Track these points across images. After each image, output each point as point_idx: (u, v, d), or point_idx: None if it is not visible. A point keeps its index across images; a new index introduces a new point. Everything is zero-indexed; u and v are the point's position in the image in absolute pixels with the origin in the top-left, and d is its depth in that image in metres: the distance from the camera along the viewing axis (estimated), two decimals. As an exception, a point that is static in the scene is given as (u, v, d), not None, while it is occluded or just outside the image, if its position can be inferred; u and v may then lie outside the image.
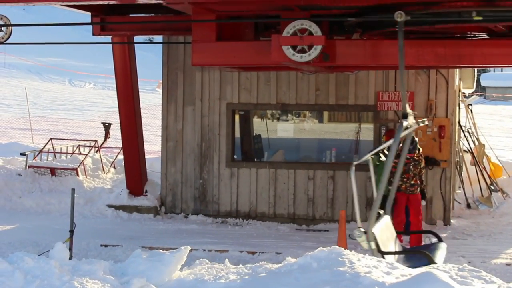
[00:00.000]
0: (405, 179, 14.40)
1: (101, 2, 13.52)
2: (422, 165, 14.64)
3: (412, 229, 14.46)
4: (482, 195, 19.76)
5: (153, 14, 16.43)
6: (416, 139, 14.57)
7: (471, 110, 21.79)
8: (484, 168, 20.51)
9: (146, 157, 19.30)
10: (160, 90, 19.58)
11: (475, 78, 21.81)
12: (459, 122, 20.10)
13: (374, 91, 17.32)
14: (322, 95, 17.62)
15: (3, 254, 12.23)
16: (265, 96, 17.86)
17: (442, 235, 15.88)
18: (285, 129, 18.70)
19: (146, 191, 18.44)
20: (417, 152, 14.41)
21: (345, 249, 9.36)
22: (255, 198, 17.84)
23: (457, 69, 17.85)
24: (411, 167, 14.40)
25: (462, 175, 20.27)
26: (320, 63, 12.82)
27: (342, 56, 12.96)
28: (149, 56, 64.13)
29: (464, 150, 21.11)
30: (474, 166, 20.43)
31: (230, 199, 17.96)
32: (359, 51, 13.06)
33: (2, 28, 16.70)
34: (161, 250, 10.36)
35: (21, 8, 77.94)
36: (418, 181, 14.53)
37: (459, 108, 20.36)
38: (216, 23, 13.34)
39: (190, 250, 10.19)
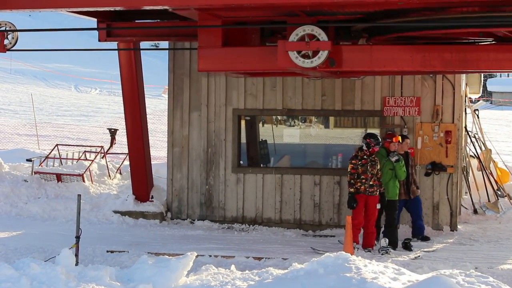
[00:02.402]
0: (363, 180, 14.57)
1: (107, 8, 13.54)
2: (379, 166, 14.79)
3: (365, 232, 14.77)
4: (488, 201, 19.71)
5: (159, 20, 16.44)
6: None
7: (477, 115, 21.75)
8: (491, 174, 20.47)
9: (152, 162, 19.28)
10: (166, 96, 19.59)
11: (482, 83, 21.78)
12: (465, 127, 20.06)
13: (380, 97, 17.29)
14: (328, 100, 17.60)
15: (9, 260, 12.24)
16: (271, 102, 17.84)
17: (449, 241, 15.92)
18: (291, 134, 18.66)
19: (152, 197, 18.43)
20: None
21: (351, 255, 9.35)
22: (261, 204, 17.81)
23: (464, 74, 17.83)
24: (368, 167, 14.61)
25: (469, 180, 20.21)
26: (326, 68, 12.81)
27: (348, 61, 12.95)
28: (155, 62, 64.20)
29: (471, 156, 21.06)
30: (480, 172, 20.38)
31: (236, 205, 17.93)
32: (365, 56, 13.04)
33: (8, 35, 16.75)
34: (167, 256, 10.39)
35: (27, 14, 78.11)
36: (377, 182, 14.70)
37: (466, 113, 20.32)
38: (222, 29, 13.34)
39: (196, 256, 10.21)
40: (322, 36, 12.27)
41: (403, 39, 13.23)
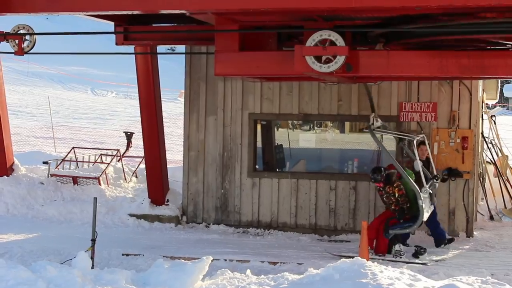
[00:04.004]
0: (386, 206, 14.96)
1: (125, 12, 13.60)
2: (397, 194, 14.57)
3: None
4: (505, 207, 19.62)
5: (175, 24, 16.48)
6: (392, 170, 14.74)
7: (494, 121, 21.66)
8: (508, 180, 20.36)
9: (168, 166, 19.31)
10: (182, 100, 19.62)
11: (499, 89, 21.70)
12: (482, 133, 19.98)
13: (396, 102, 17.25)
14: (344, 105, 17.58)
15: (25, 262, 12.29)
16: (287, 106, 17.84)
17: (465, 247, 15.85)
18: (307, 139, 18.66)
19: (167, 201, 18.46)
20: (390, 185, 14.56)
21: (367, 260, 9.33)
22: (277, 208, 17.80)
23: (481, 80, 17.76)
24: (384, 199, 14.76)
25: (485, 186, 20.13)
26: (343, 73, 12.81)
27: (365, 66, 12.95)
28: (171, 66, 64.30)
29: (487, 162, 20.97)
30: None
31: (251, 209, 17.93)
32: (382, 62, 13.04)
33: (26, 38, 16.84)
34: (183, 260, 10.40)
35: (44, 17, 78.42)
36: (398, 207, 14.63)
37: (482, 119, 20.24)
38: (239, 33, 13.36)
39: (212, 260, 10.20)
40: (339, 41, 12.28)
41: (420, 44, 13.21)
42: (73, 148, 23.14)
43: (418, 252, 14.78)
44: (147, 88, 18.47)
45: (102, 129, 39.27)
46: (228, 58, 13.48)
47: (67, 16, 16.12)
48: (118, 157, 23.03)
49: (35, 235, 16.49)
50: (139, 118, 19.08)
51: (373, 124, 15.16)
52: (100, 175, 20.52)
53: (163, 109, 19.18)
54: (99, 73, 71.48)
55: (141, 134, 19.04)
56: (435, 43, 13.07)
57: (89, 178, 20.31)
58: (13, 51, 17.08)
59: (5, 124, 19.97)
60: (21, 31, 16.88)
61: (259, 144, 18.32)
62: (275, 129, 18.75)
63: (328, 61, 12.38)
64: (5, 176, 19.71)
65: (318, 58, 12.40)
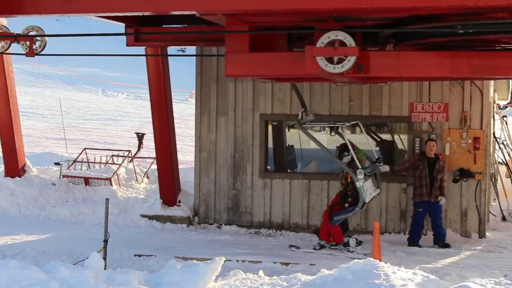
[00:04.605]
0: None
1: (135, 13, 13.61)
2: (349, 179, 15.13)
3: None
4: (517, 208, 19.58)
5: (186, 25, 16.49)
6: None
7: (506, 122, 21.62)
8: (520, 180, 20.32)
9: (179, 167, 19.35)
10: (193, 100, 19.66)
11: (510, 89, 21.65)
12: (494, 133, 19.94)
13: (408, 102, 17.23)
14: (355, 106, 17.57)
15: (38, 263, 12.32)
16: (298, 107, 17.81)
17: (477, 248, 15.82)
18: (318, 139, 18.62)
19: (179, 201, 18.48)
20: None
21: (379, 261, 9.32)
22: (288, 209, 17.81)
23: (492, 81, 17.72)
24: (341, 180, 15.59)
25: (497, 187, 20.08)
26: (353, 74, 12.78)
27: (376, 67, 12.91)
28: (181, 66, 64.36)
29: (499, 162, 20.92)
30: (509, 178, 20.24)
31: (263, 210, 17.94)
32: (392, 62, 13.00)
33: (37, 39, 16.89)
34: (195, 261, 10.40)
35: (54, 19, 78.67)
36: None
37: (494, 119, 20.19)
38: (250, 34, 13.35)
39: (224, 261, 10.20)
40: (350, 42, 12.26)
41: (431, 44, 13.18)
42: (85, 149, 23.20)
43: (359, 244, 15.32)
44: (158, 89, 18.50)
45: (113, 130, 39.36)
46: (239, 59, 13.46)
47: (78, 17, 16.13)
48: (130, 158, 23.08)
49: (47, 236, 16.54)
50: (150, 119, 19.12)
51: (302, 118, 15.45)
52: (112, 176, 20.57)
53: (173, 110, 19.21)
54: (110, 74, 71.63)
55: (153, 135, 19.08)
56: (446, 44, 13.04)
57: (101, 179, 20.36)
58: (24, 53, 17.16)
59: (16, 125, 20.06)
60: (32, 33, 16.95)
61: (270, 144, 18.32)
62: (286, 129, 18.75)
63: (338, 61, 12.37)
64: (17, 177, 19.80)
65: (329, 59, 12.39)
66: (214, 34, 15.61)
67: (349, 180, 15.10)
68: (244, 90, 18.13)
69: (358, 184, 14.64)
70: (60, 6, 12.38)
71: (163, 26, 16.90)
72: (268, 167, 18.22)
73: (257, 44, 13.51)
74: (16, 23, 18.39)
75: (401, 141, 17.90)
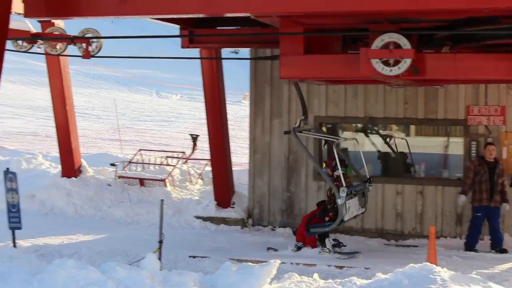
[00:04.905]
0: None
1: (190, 15, 13.71)
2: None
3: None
4: None
5: (240, 27, 16.54)
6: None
7: None
8: None
9: (233, 169, 19.39)
10: (246, 102, 19.72)
11: None
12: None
13: (464, 105, 17.01)
14: (410, 108, 17.41)
15: (93, 263, 12.45)
16: (353, 109, 17.75)
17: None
18: (372, 142, 18.51)
19: (233, 203, 18.53)
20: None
21: (436, 266, 9.23)
22: (342, 212, 17.71)
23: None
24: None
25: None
26: (409, 76, 12.72)
27: (432, 69, 12.83)
28: (234, 68, 64.50)
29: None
30: None
31: (317, 213, 17.87)
32: (448, 64, 12.90)
33: (93, 42, 17.10)
34: (250, 263, 10.39)
35: (109, 20, 79.44)
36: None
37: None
38: (304, 36, 13.34)
39: (279, 264, 10.19)
40: (405, 44, 12.18)
41: (488, 47, 13.03)
42: (140, 150, 23.40)
43: (337, 245, 15.30)
44: (212, 91, 18.58)
45: (167, 131, 39.63)
46: (293, 61, 13.47)
47: (133, 19, 16.28)
48: (184, 160, 23.20)
49: (103, 236, 16.71)
50: (204, 121, 19.20)
51: (299, 126, 15.31)
52: (167, 177, 20.71)
53: (227, 111, 19.27)
54: (164, 75, 72.10)
55: (207, 136, 19.15)
56: (503, 46, 12.88)
57: (156, 180, 20.51)
58: (81, 55, 17.39)
59: (73, 126, 20.31)
60: (88, 35, 17.16)
61: (324, 147, 18.23)
62: (340, 132, 18.66)
63: (394, 64, 12.29)
64: (73, 178, 20.04)
65: (384, 61, 12.33)
66: (268, 36, 15.63)
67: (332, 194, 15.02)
68: (299, 92, 18.07)
69: (338, 201, 14.53)
70: (115, 8, 12.53)
71: (217, 28, 16.98)
72: (322, 169, 18.13)
73: (312, 46, 13.51)
74: (72, 25, 18.64)
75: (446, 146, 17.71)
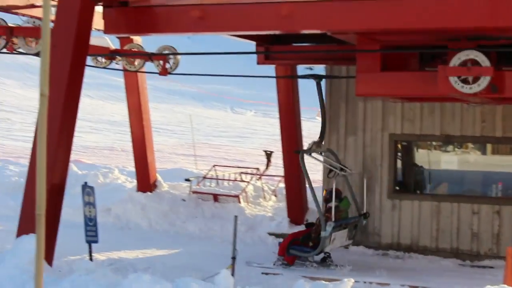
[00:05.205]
0: None
1: (266, 32, 13.77)
2: None
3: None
4: None
5: (315, 44, 16.54)
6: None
7: None
8: None
9: (306, 186, 19.33)
10: (320, 119, 19.65)
11: None
12: None
13: (543, 124, 16.67)
14: (488, 126, 17.11)
15: (167, 277, 12.51)
16: (429, 127, 17.53)
17: None
18: (448, 160, 18.26)
19: (306, 220, 18.46)
20: None
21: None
22: (417, 231, 17.48)
23: None
24: None
25: None
26: (487, 94, 12.51)
27: (511, 87, 12.58)
28: (308, 84, 64.48)
29: None
30: None
31: (391, 231, 17.68)
32: (529, 82, 12.63)
33: (170, 59, 17.31)
34: (323, 281, 10.34)
35: (186, 36, 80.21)
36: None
37: None
38: (381, 53, 13.26)
39: (353, 282, 10.12)
40: (484, 61, 12.01)
41: None
42: (214, 166, 23.52)
43: (324, 259, 15.44)
44: (287, 107, 18.62)
45: (241, 147, 39.76)
46: (370, 78, 13.40)
47: (208, 36, 16.48)
48: (258, 176, 23.23)
49: (177, 251, 16.82)
50: (278, 137, 19.22)
51: (310, 148, 15.36)
52: (240, 193, 20.76)
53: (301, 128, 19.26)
54: (239, 91, 72.47)
55: (281, 153, 19.16)
56: None
57: (229, 196, 20.58)
58: (158, 71, 17.62)
59: (149, 141, 20.56)
60: (165, 52, 17.37)
61: (398, 165, 18.08)
62: (415, 150, 18.46)
63: (472, 81, 12.12)
64: (148, 192, 20.26)
65: (462, 79, 12.16)
66: (344, 53, 15.59)
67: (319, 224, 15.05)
68: (374, 109, 17.96)
69: (323, 233, 14.60)
70: (194, 25, 12.66)
71: (293, 44, 17.01)
72: (397, 188, 17.96)
73: (388, 63, 13.42)
74: (150, 42, 18.90)
75: None
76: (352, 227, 15.68)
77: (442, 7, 11.27)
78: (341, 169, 15.82)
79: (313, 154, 15.66)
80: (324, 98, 18.34)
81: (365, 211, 15.93)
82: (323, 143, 15.80)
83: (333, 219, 14.64)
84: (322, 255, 15.33)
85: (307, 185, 18.98)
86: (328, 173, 16.48)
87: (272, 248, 17.58)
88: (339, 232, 14.99)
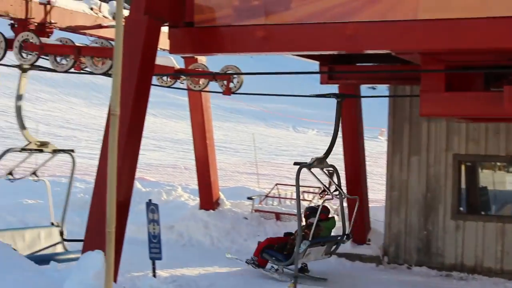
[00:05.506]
0: None
1: (330, 52, 13.81)
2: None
3: None
4: None
5: (377, 63, 16.51)
6: None
7: None
8: None
9: (369, 205, 19.26)
10: (382, 138, 19.64)
11: None
12: None
13: None
14: (555, 148, 16.88)
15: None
16: (494, 148, 17.33)
17: None
18: (512, 182, 18.05)
19: (369, 240, 18.40)
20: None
21: None
22: (481, 252, 17.27)
23: None
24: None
25: None
26: (555, 115, 12.34)
27: None
28: (370, 103, 64.20)
29: None
30: None
31: (455, 252, 17.50)
32: None
33: (234, 78, 17.45)
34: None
35: (249, 56, 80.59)
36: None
37: None
38: (445, 73, 13.18)
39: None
40: (552, 81, 11.86)
41: None
42: (276, 184, 23.55)
43: (304, 270, 15.72)
44: (350, 127, 18.60)
45: (304, 166, 39.64)
46: (434, 98, 13.30)
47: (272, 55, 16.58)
48: (320, 195, 23.16)
49: (239, 269, 16.83)
50: (340, 156, 19.18)
51: (310, 164, 15.62)
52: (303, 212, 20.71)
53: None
54: (301, 110, 72.50)
55: (343, 172, 19.11)
56: None
57: (292, 214, 20.55)
58: (221, 91, 17.77)
59: (212, 159, 20.72)
60: (229, 72, 17.52)
61: (462, 185, 17.90)
62: (480, 170, 18.26)
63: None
64: (211, 210, 20.38)
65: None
66: (408, 73, 15.54)
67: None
68: (437, 129, 17.84)
69: (296, 248, 14.71)
70: (258, 45, 12.74)
71: (357, 64, 17.01)
72: (461, 208, 17.78)
73: (453, 83, 13.31)
74: (213, 62, 19.07)
75: None
76: (333, 244, 15.80)
77: (510, 26, 11.17)
78: (336, 190, 15.89)
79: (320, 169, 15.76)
80: (388, 118, 18.40)
81: (348, 232, 15.94)
82: (326, 160, 15.84)
83: (310, 238, 14.83)
84: (300, 265, 15.56)
85: (369, 204, 18.97)
86: (321, 191, 16.65)
87: (335, 266, 17.55)
88: (316, 248, 15.23)
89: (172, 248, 18.14)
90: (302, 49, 13.09)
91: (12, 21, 15.83)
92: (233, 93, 17.70)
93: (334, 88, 18.83)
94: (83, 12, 17.05)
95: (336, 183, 15.77)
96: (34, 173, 14.98)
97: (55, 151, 14.66)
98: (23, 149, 14.94)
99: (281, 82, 57.65)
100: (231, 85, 17.53)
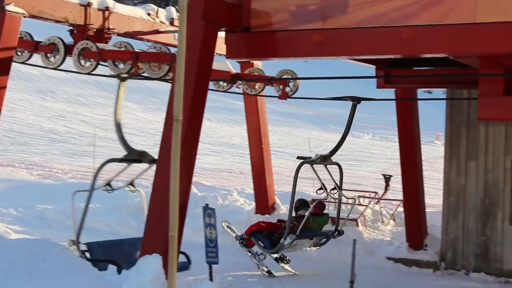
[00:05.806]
0: None
1: (387, 56, 13.74)
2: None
3: None
4: None
5: (434, 67, 16.39)
6: None
7: None
8: None
9: (426, 210, 19.11)
10: (439, 143, 19.51)
11: None
12: None
13: None
14: None
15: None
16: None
17: None
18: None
19: (426, 245, 18.24)
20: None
21: None
22: (541, 259, 17.04)
23: None
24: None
25: None
26: None
27: None
28: (427, 107, 63.63)
29: None
30: None
31: (514, 258, 17.28)
32: None
33: (290, 82, 17.49)
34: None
35: (304, 61, 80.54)
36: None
37: None
38: (504, 77, 13.04)
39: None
40: None
41: None
42: (332, 189, 23.42)
43: (281, 259, 16.13)
44: (406, 131, 18.48)
45: (358, 170, 39.53)
46: (493, 102, 13.18)
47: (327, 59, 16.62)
48: (376, 200, 23.06)
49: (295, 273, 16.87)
50: (396, 161, 19.08)
51: (313, 160, 16.38)
52: (358, 217, 20.66)
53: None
54: (357, 114, 72.13)
55: (399, 177, 19.00)
56: None
57: (347, 219, 20.48)
58: (277, 95, 17.82)
59: (268, 164, 20.76)
60: (285, 76, 17.56)
61: (522, 190, 17.67)
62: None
63: None
64: (267, 215, 20.40)
65: None
66: (466, 77, 15.40)
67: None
68: (496, 133, 17.63)
69: (282, 240, 15.00)
70: (314, 49, 12.75)
71: (413, 68, 16.91)
72: (520, 213, 17.56)
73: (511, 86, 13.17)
74: (269, 66, 19.12)
75: None
76: (323, 237, 16.10)
77: None
78: (334, 189, 15.98)
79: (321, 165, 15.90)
80: (445, 122, 18.24)
81: (339, 229, 16.43)
82: (331, 158, 15.93)
83: (298, 231, 15.16)
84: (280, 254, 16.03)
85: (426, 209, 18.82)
86: (319, 189, 16.74)
87: (391, 272, 17.44)
88: (304, 240, 15.51)
89: (228, 252, 18.19)
90: (358, 53, 13.07)
91: (71, 27, 16.06)
92: (289, 97, 17.74)
93: (391, 93, 18.72)
94: (141, 17, 17.24)
95: (337, 182, 15.91)
96: (131, 184, 14.76)
97: (152, 161, 14.26)
98: (121, 160, 14.47)
99: (336, 86, 57.41)
100: (287, 89, 17.58)
